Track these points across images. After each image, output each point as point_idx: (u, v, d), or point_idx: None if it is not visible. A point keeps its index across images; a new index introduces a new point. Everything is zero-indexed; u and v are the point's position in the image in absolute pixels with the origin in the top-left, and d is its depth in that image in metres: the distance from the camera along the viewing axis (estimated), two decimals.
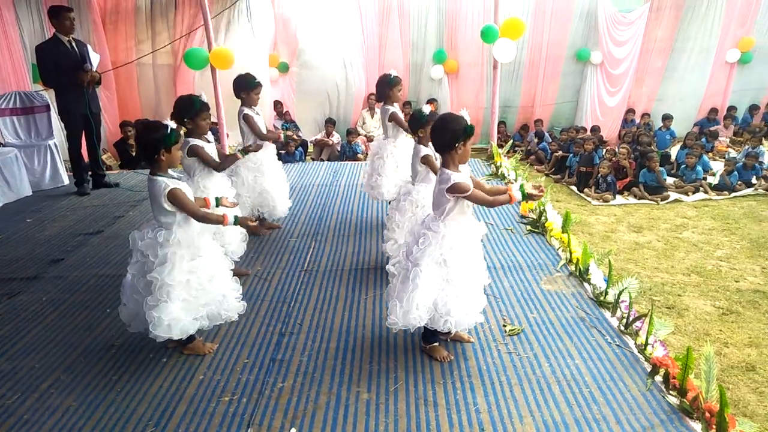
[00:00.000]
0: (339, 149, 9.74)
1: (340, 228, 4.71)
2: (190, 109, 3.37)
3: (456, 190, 2.54)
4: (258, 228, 4.25)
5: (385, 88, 4.30)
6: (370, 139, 9.78)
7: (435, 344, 2.86)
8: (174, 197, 2.64)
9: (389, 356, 2.87)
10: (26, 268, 4.06)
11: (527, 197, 2.67)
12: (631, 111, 10.17)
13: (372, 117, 10.13)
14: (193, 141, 3.42)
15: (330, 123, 9.84)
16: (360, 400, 2.55)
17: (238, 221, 2.84)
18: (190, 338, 2.87)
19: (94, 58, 5.67)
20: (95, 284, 3.77)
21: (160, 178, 2.67)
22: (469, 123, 2.61)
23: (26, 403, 2.58)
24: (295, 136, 4.01)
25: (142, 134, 2.74)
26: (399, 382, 2.65)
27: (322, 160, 9.12)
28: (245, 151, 3.84)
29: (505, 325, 3.11)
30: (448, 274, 2.61)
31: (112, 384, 2.69)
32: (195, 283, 2.69)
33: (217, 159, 3.53)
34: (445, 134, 2.60)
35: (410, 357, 2.85)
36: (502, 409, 2.46)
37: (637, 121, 10.13)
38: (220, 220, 2.78)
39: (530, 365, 2.76)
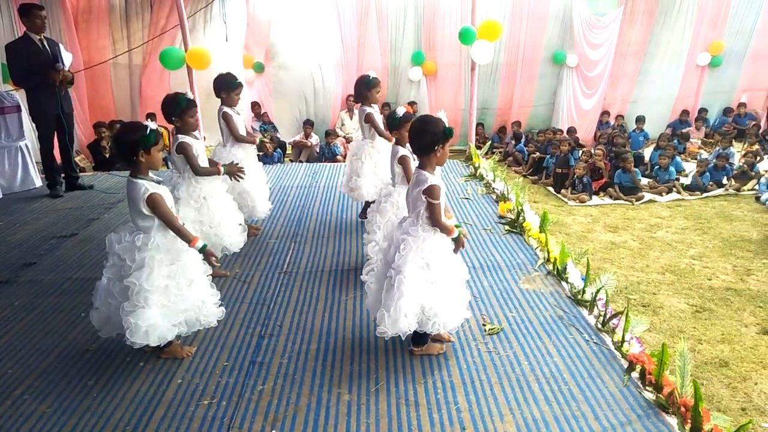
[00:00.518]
0: (318, 150, 9.72)
1: (320, 229, 4.70)
2: (176, 108, 3.35)
3: (430, 193, 2.55)
4: (218, 272, 4.07)
5: (364, 89, 4.30)
6: (349, 141, 9.78)
7: (426, 344, 2.86)
8: (153, 202, 2.60)
9: (370, 357, 2.86)
10: None
11: (456, 241, 2.70)
12: (606, 113, 10.35)
13: (351, 118, 10.13)
14: (182, 138, 3.40)
15: (308, 124, 9.81)
16: (341, 401, 2.54)
17: (204, 250, 2.75)
18: (168, 342, 2.82)
19: (67, 58, 5.56)
20: (69, 288, 3.70)
21: (140, 182, 2.62)
22: (447, 125, 2.62)
23: None
24: (269, 143, 3.96)
25: (120, 135, 2.68)
26: (380, 383, 2.66)
27: (301, 162, 9.09)
28: (229, 172, 3.76)
29: (484, 325, 3.13)
30: (431, 276, 2.62)
31: (88, 389, 2.64)
32: (174, 288, 2.65)
33: (204, 158, 3.50)
34: (424, 136, 2.61)
35: (391, 357, 2.86)
36: (482, 408, 2.47)
37: (612, 122, 10.31)
38: (189, 239, 2.69)
39: (510, 364, 2.78)
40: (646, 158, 8.94)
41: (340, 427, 2.38)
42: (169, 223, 2.67)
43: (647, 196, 7.38)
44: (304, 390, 2.62)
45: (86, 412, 2.48)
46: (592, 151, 8.31)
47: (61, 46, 5.50)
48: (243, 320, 3.24)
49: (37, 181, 6.27)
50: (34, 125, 5.70)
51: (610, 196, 7.46)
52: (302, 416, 2.44)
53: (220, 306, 2.89)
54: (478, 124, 10.24)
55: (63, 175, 5.98)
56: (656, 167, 8.06)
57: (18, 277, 3.88)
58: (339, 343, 3.01)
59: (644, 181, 7.91)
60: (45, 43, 5.40)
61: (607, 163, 7.95)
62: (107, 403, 2.54)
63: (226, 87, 4.08)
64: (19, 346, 3.03)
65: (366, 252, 3.64)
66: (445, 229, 2.63)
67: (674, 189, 7.59)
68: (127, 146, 2.60)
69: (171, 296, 2.65)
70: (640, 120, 9.81)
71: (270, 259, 4.09)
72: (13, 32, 7.58)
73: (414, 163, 3.16)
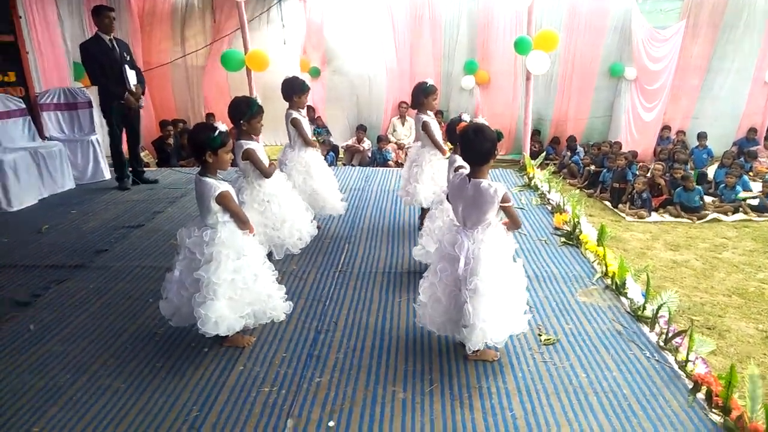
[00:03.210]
0: (370, 155, 9.83)
1: (373, 231, 4.76)
2: (246, 111, 3.44)
3: (507, 200, 2.61)
4: None
5: (420, 96, 4.34)
6: (400, 147, 9.85)
7: (481, 349, 2.85)
8: (223, 199, 2.73)
9: (424, 358, 2.89)
10: (73, 257, 4.20)
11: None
12: (666, 128, 10.05)
13: (403, 125, 10.19)
14: (247, 145, 3.48)
15: (361, 129, 9.93)
16: (396, 398, 2.57)
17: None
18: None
19: (131, 75, 5.81)
20: (138, 275, 3.88)
21: (209, 180, 2.74)
22: (495, 130, 2.68)
23: (77, 383, 2.67)
24: (319, 147, 4.12)
25: (192, 134, 2.82)
26: (434, 384, 2.68)
27: (353, 166, 9.21)
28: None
29: (540, 335, 3.11)
30: (505, 282, 2.68)
31: (157, 370, 2.77)
32: (240, 282, 2.77)
33: (266, 159, 3.60)
34: (484, 144, 2.62)
35: (445, 360, 2.87)
36: (538, 416, 2.46)
37: (673, 138, 10.00)
38: (250, 230, 2.89)
39: (566, 375, 2.75)
40: (710, 176, 8.63)
41: (395, 423, 2.41)
42: (237, 215, 2.81)
43: (711, 215, 7.11)
44: (359, 385, 2.67)
45: (156, 390, 2.61)
46: (650, 167, 8.08)
47: (126, 67, 5.75)
48: (300, 315, 3.33)
49: (107, 173, 6.60)
50: (103, 121, 5.99)
51: (671, 214, 7.23)
52: (358, 410, 2.49)
53: (286, 301, 2.99)
54: (535, 131, 10.17)
55: (130, 168, 6.27)
56: (721, 185, 7.76)
57: (91, 263, 4.10)
58: (393, 342, 3.05)
59: (708, 199, 7.63)
60: (114, 42, 5.71)
61: (666, 180, 7.72)
62: (175, 384, 2.66)
63: (298, 90, 4.22)
64: (94, 325, 3.21)
65: (413, 254, 3.68)
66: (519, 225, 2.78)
67: (740, 209, 7.29)
68: (196, 145, 2.73)
69: (237, 289, 2.76)
70: (702, 137, 9.47)
71: (325, 258, 4.18)
72: (83, 33, 8.00)
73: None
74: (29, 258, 4.20)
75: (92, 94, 6.59)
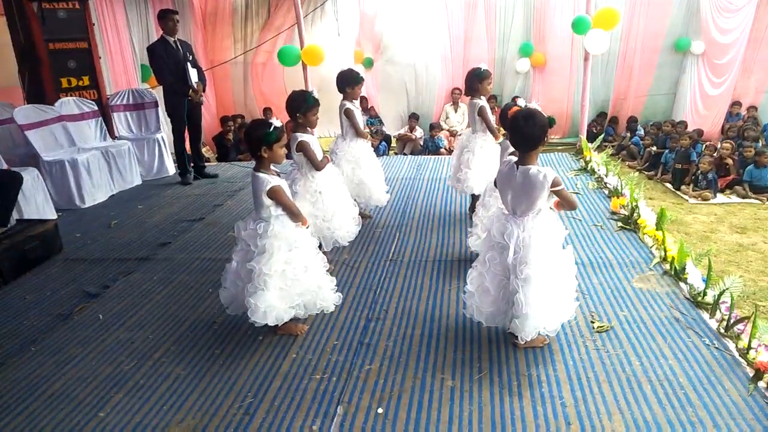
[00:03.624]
0: (422, 144, 9.81)
1: (424, 220, 4.78)
2: (302, 104, 3.53)
3: (557, 183, 2.56)
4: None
5: (475, 81, 4.31)
6: (452, 134, 9.78)
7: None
8: (274, 194, 2.82)
9: (473, 346, 2.90)
10: (139, 250, 4.46)
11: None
12: (736, 104, 9.46)
13: (455, 111, 10.11)
14: (302, 137, 3.56)
15: (413, 118, 9.93)
16: (444, 386, 2.60)
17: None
18: None
19: (193, 74, 6.03)
20: (198, 266, 4.08)
21: (261, 175, 2.84)
22: (547, 116, 2.62)
23: (142, 369, 2.85)
24: (371, 137, 4.18)
25: (248, 130, 2.92)
26: (483, 372, 2.68)
27: (405, 155, 9.23)
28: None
29: (593, 322, 3.05)
30: (556, 269, 2.66)
31: (215, 357, 2.92)
32: (290, 273, 2.86)
33: (320, 151, 3.67)
34: (534, 129, 2.57)
35: (494, 348, 2.87)
36: (589, 405, 2.42)
37: (743, 114, 9.41)
38: (303, 222, 2.96)
39: (620, 363, 2.69)
40: None
41: (443, 411, 2.44)
42: (289, 209, 2.89)
43: None
44: (408, 373, 2.71)
45: (214, 376, 2.75)
46: (718, 146, 7.65)
47: (188, 66, 5.97)
48: (351, 303, 3.40)
49: (171, 169, 6.93)
50: (168, 119, 6.29)
51: (738, 194, 6.84)
52: (407, 397, 2.54)
53: (336, 292, 3.07)
54: (601, 113, 9.84)
55: (192, 164, 6.56)
56: None
57: (155, 255, 4.34)
58: (443, 330, 3.07)
59: None
60: (178, 44, 5.96)
61: (735, 159, 7.29)
62: (231, 370, 2.79)
63: (352, 82, 4.29)
64: (158, 315, 3.41)
65: (468, 245, 3.67)
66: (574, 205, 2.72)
67: None
68: (252, 141, 2.83)
69: (287, 280, 2.85)
70: None
71: (376, 247, 4.24)
72: (148, 36, 8.39)
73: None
74: (99, 251, 4.50)
75: (157, 94, 6.92)
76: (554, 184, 2.56)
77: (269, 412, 2.48)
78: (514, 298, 2.62)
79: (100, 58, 6.77)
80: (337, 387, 2.63)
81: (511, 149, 3.31)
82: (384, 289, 3.57)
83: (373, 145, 8.79)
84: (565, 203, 2.68)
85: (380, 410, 2.46)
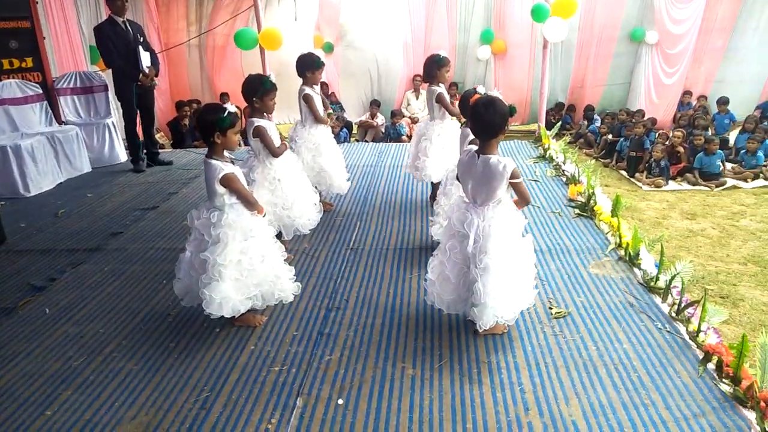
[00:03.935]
0: (383, 131, 9.76)
1: (385, 208, 4.75)
2: (259, 88, 3.42)
3: (516, 176, 2.56)
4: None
5: (433, 68, 4.27)
6: (414, 121, 9.75)
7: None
8: (227, 181, 2.73)
9: (434, 334, 2.90)
10: (88, 240, 4.28)
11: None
12: (687, 93, 9.77)
13: (417, 98, 10.08)
14: (258, 122, 3.46)
15: (375, 104, 9.85)
16: (405, 375, 2.59)
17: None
18: None
19: (145, 57, 5.79)
20: (152, 256, 3.94)
21: (214, 162, 2.74)
22: (508, 104, 2.61)
23: (92, 365, 2.74)
24: (332, 123, 4.09)
25: (200, 115, 2.81)
26: (444, 360, 2.69)
27: (367, 141, 9.16)
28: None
29: (551, 308, 3.09)
30: (515, 258, 2.67)
31: (169, 351, 2.83)
32: (246, 263, 2.78)
33: (277, 138, 3.57)
34: (494, 117, 2.56)
35: (454, 336, 2.88)
36: (547, 390, 2.46)
37: (694, 103, 9.73)
38: (259, 211, 2.89)
39: (576, 348, 2.74)
40: (731, 142, 8.39)
41: (404, 400, 2.43)
42: (244, 197, 2.81)
43: (729, 182, 6.94)
44: (369, 362, 2.69)
45: (168, 371, 2.67)
46: (670, 134, 7.88)
47: (140, 49, 5.73)
48: (311, 293, 3.35)
49: (122, 156, 6.67)
50: (118, 104, 6.04)
51: (689, 182, 7.07)
52: (367, 387, 2.52)
53: (295, 281, 3.01)
54: (557, 104, 9.98)
55: (145, 151, 6.33)
56: (742, 152, 7.55)
57: (107, 245, 4.17)
58: (403, 319, 3.06)
59: (727, 166, 7.44)
60: (128, 25, 5.71)
61: (686, 147, 7.53)
62: (186, 364, 2.71)
63: (311, 66, 4.19)
64: (108, 308, 3.28)
65: (430, 233, 3.66)
66: (528, 201, 2.74)
67: (761, 175, 7.10)
68: (204, 127, 2.73)
69: (243, 270, 2.78)
70: (723, 102, 9.15)
71: (337, 235, 4.19)
72: (99, 17, 8.01)
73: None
74: (46, 242, 4.29)
75: (107, 77, 6.63)
76: (513, 176, 2.57)
77: (226, 406, 2.42)
78: (473, 287, 2.62)
79: (44, 38, 6.43)
80: (296, 379, 2.59)
81: (471, 137, 3.31)
82: (344, 278, 3.53)
83: (333, 132, 8.73)
84: (520, 197, 2.70)
85: (340, 401, 2.44)
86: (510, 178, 2.56)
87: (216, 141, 2.73)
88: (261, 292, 2.88)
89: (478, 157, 2.63)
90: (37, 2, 6.32)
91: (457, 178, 2.89)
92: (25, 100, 6.06)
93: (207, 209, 2.81)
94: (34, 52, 6.26)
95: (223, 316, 2.81)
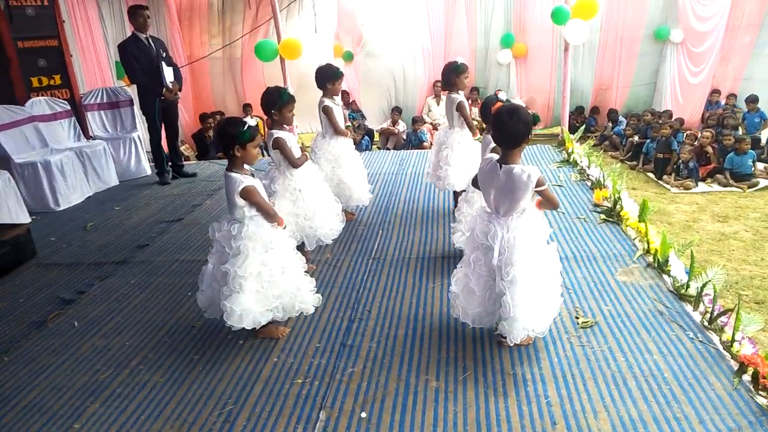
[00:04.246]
0: (405, 137, 9.75)
1: (407, 217, 4.73)
2: (277, 101, 3.44)
3: (542, 183, 2.51)
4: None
5: (452, 75, 4.24)
6: (435, 127, 9.72)
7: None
8: (247, 194, 2.75)
9: (457, 345, 2.86)
10: (115, 253, 4.36)
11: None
12: (716, 92, 9.52)
13: (438, 104, 10.05)
14: (277, 134, 3.47)
15: (396, 111, 9.85)
16: (429, 387, 2.56)
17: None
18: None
19: (168, 72, 5.90)
20: (177, 269, 3.99)
21: (234, 175, 2.76)
22: (532, 112, 2.56)
23: (119, 377, 2.77)
24: (352, 135, 4.10)
25: (221, 129, 2.83)
26: (468, 372, 2.65)
27: (388, 149, 9.16)
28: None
29: (577, 318, 3.03)
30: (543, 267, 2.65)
31: (194, 363, 2.85)
32: (266, 275, 2.79)
33: (297, 149, 3.58)
34: (518, 126, 2.50)
35: (479, 347, 2.83)
36: (575, 403, 2.40)
37: (722, 102, 9.48)
38: (279, 223, 2.90)
39: (604, 359, 2.67)
40: (763, 141, 8.14)
41: (428, 413, 2.40)
42: (264, 210, 2.82)
43: (762, 182, 6.73)
44: (392, 374, 2.66)
45: (193, 383, 2.68)
46: (698, 134, 7.69)
47: (163, 64, 5.84)
48: (334, 304, 3.34)
49: (148, 169, 6.79)
50: (143, 118, 6.15)
51: (719, 183, 6.89)
52: (391, 400, 2.49)
53: (316, 293, 3.01)
54: (577, 108, 9.86)
55: (170, 163, 6.43)
56: None
57: (133, 258, 4.24)
58: (426, 329, 3.03)
59: (759, 166, 7.23)
60: (150, 41, 5.82)
61: (715, 147, 7.34)
62: (211, 377, 2.73)
63: (331, 77, 4.21)
64: (135, 320, 3.33)
65: (452, 241, 3.63)
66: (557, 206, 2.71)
67: None
68: (224, 140, 2.76)
69: (264, 282, 2.79)
70: (752, 100, 8.85)
71: (359, 245, 4.18)
72: (124, 32, 8.19)
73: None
74: (75, 256, 4.38)
75: (133, 92, 6.77)
76: (538, 183, 2.51)
77: (250, 419, 2.42)
78: (502, 300, 2.57)
79: (71, 56, 6.60)
80: (319, 391, 2.58)
81: (493, 145, 3.26)
82: (367, 289, 3.52)
83: (355, 141, 8.74)
84: (547, 203, 2.64)
85: (363, 414, 2.42)
86: (536, 187, 2.51)
87: (236, 154, 2.75)
88: (282, 303, 2.88)
89: (501, 166, 2.58)
90: (63, 21, 6.50)
91: (473, 184, 2.84)
92: (54, 116, 6.21)
93: (228, 221, 2.83)
94: (62, 70, 6.43)
95: (245, 329, 2.82)
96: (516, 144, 2.56)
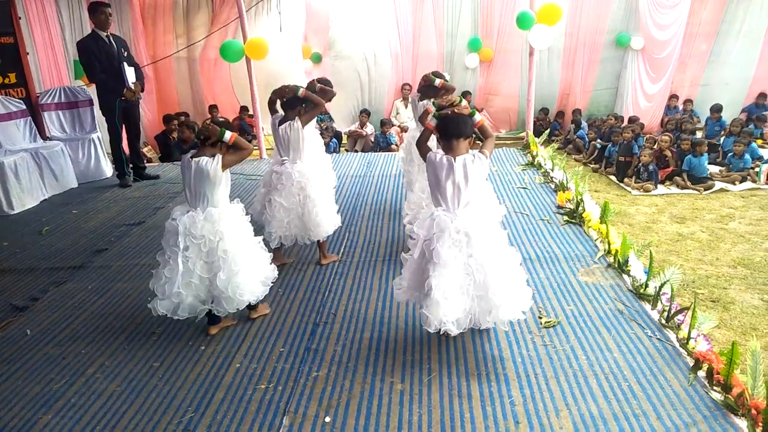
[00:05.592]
0: (372, 140, 9.73)
1: (374, 219, 4.72)
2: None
3: (477, 124, 2.76)
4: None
5: (429, 92, 4.16)
6: (404, 130, 9.74)
7: None
8: (236, 144, 2.87)
9: (423, 347, 2.86)
10: (72, 258, 4.22)
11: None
12: (674, 97, 9.82)
13: (406, 107, 10.07)
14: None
15: (364, 113, 9.83)
16: (394, 390, 2.55)
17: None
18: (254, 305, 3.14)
19: (129, 73, 5.75)
20: (137, 273, 3.88)
21: (203, 157, 2.83)
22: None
23: (73, 387, 2.68)
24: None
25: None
26: (433, 374, 2.65)
27: (356, 151, 9.14)
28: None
29: (540, 317, 3.06)
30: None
31: (153, 370, 2.77)
32: (253, 252, 2.96)
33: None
34: (466, 127, 2.67)
35: (443, 349, 2.84)
36: (537, 402, 2.42)
37: (680, 107, 9.78)
38: (250, 150, 3.09)
39: (566, 358, 2.71)
40: (722, 147, 8.40)
41: (393, 416, 2.39)
42: (247, 146, 2.97)
43: (718, 185, 6.96)
44: (357, 378, 2.65)
45: (152, 392, 2.61)
46: (658, 138, 7.90)
47: (125, 64, 5.69)
48: (298, 308, 3.31)
49: (108, 171, 6.60)
50: (104, 118, 5.98)
51: (677, 185, 7.09)
52: (355, 403, 2.47)
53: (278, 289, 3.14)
54: (542, 110, 10.02)
55: (131, 165, 6.27)
56: (730, 154, 7.58)
57: (91, 263, 4.11)
58: (392, 332, 3.02)
59: (715, 169, 7.47)
60: (111, 39, 5.67)
61: (673, 151, 7.55)
62: (171, 384, 2.66)
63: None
64: (92, 327, 3.22)
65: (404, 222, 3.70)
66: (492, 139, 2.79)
67: (749, 178, 7.12)
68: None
69: (252, 258, 2.93)
70: (716, 109, 9.08)
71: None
72: (83, 32, 7.95)
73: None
74: (29, 261, 4.23)
75: (92, 92, 6.57)
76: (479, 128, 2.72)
77: (211, 427, 2.37)
78: (487, 292, 2.58)
79: (28, 53, 6.37)
80: (282, 396, 2.54)
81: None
82: (332, 291, 3.49)
83: (324, 143, 8.71)
84: (484, 134, 2.76)
85: (328, 419, 2.39)
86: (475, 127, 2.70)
87: (220, 150, 2.85)
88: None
89: (455, 159, 2.62)
90: (20, 18, 6.27)
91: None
92: (9, 116, 5.99)
93: (203, 210, 2.87)
94: (18, 68, 6.20)
95: (207, 333, 2.80)
96: (465, 134, 2.67)
